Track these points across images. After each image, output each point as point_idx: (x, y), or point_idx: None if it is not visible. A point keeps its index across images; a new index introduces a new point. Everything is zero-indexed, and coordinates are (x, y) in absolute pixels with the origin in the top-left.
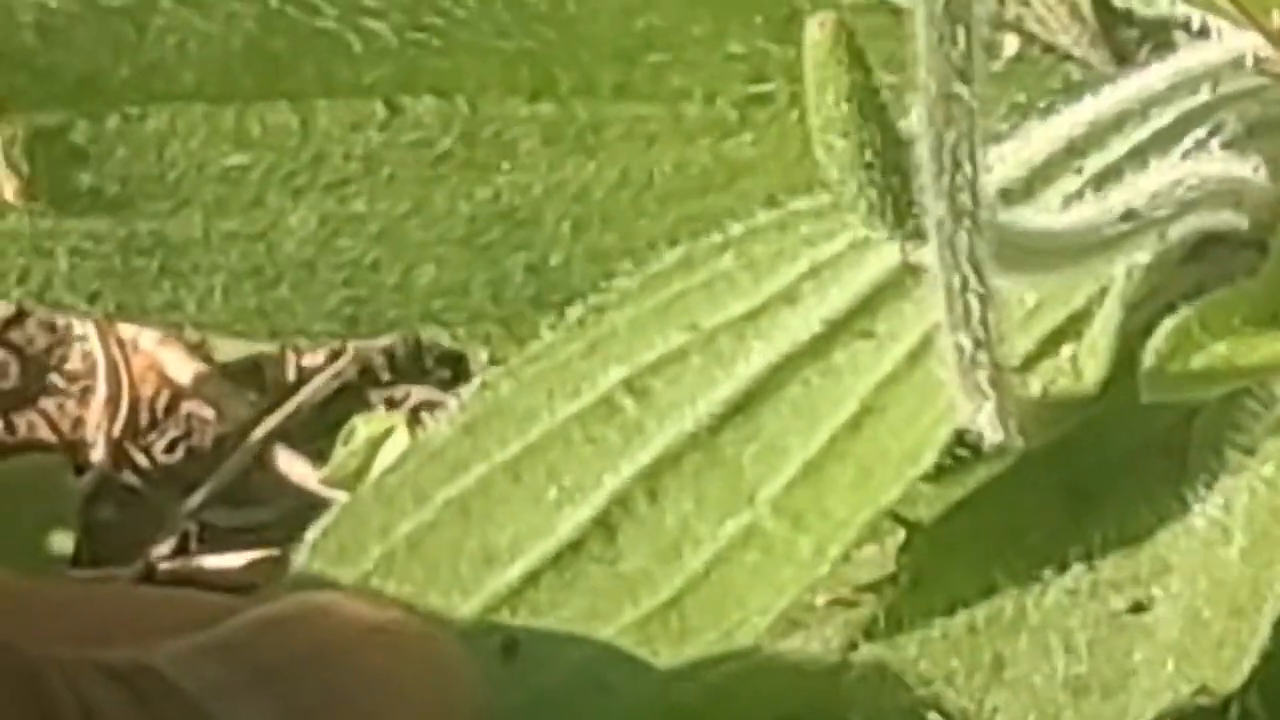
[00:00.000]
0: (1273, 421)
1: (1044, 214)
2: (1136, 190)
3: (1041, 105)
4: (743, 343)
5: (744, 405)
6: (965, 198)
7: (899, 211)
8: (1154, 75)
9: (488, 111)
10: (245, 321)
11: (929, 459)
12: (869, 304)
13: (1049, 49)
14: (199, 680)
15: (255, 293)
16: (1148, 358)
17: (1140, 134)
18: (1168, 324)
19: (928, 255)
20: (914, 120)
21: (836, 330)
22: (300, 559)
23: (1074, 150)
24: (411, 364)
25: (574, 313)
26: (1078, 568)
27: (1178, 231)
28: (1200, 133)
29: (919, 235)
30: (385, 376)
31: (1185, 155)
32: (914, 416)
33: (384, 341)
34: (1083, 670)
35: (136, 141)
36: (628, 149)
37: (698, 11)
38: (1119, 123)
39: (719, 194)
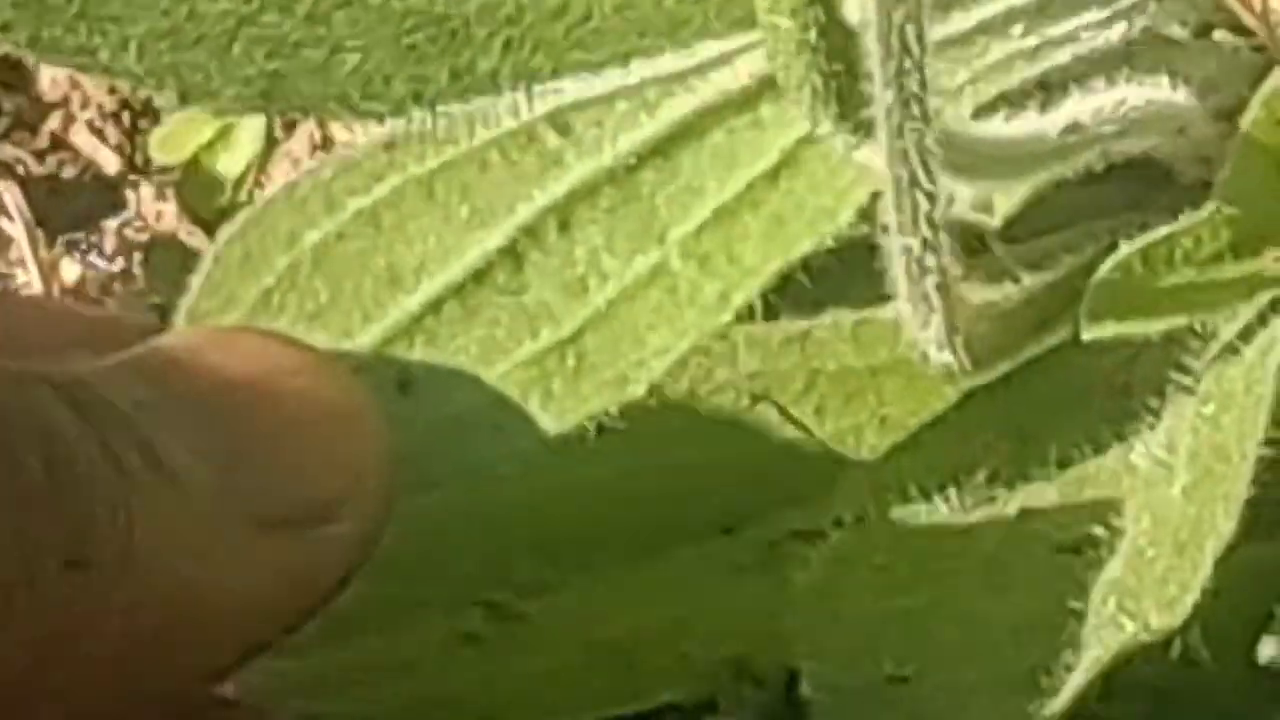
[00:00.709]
0: (1216, 361)
1: (988, 123)
2: (1080, 106)
3: None
4: (669, 89)
5: (664, 148)
6: (913, 82)
7: (844, 100)
8: None
9: None
10: (157, 78)
11: (844, 218)
12: None
13: None
14: (128, 399)
15: (171, 51)
16: (1089, 292)
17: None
18: (1110, 261)
19: (874, 151)
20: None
21: (766, 85)
22: (207, 262)
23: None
24: None
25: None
26: (1021, 507)
27: (1122, 149)
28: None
29: (865, 128)
30: None
31: (1132, 78)
32: (833, 174)
33: None
34: (1026, 608)
35: None
36: None
37: None
38: None
39: (656, 38)
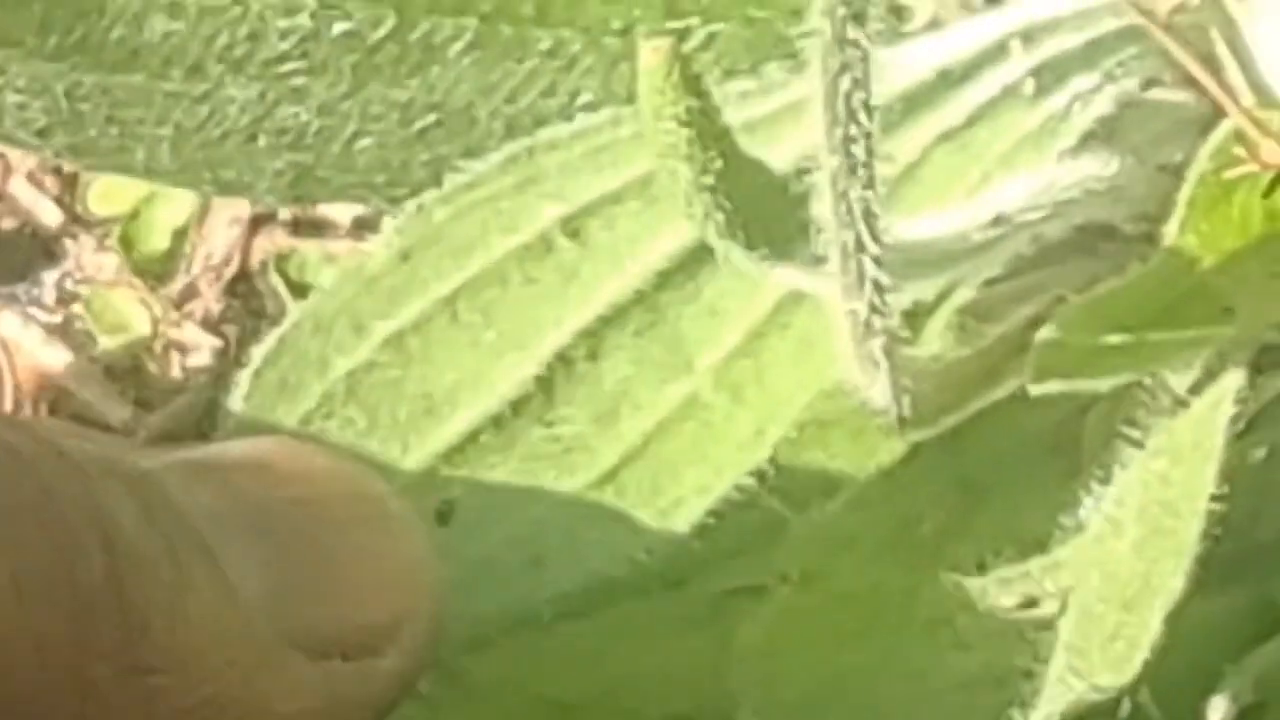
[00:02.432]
0: (1164, 415)
1: (910, 221)
2: (1007, 194)
3: None
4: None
5: (684, 263)
6: (859, 150)
7: (750, 233)
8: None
9: (413, 18)
10: (192, 173)
11: None
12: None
13: None
14: (194, 502)
15: (201, 148)
16: (1036, 346)
17: (1075, 40)
18: (1057, 315)
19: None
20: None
21: None
22: (241, 390)
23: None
24: None
25: (497, 156)
26: (969, 564)
27: (1055, 231)
28: (1111, 62)
29: (780, 256)
30: None
31: (1065, 154)
32: None
33: None
34: (974, 667)
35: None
36: (553, 65)
37: None
38: (1053, 28)
39: None
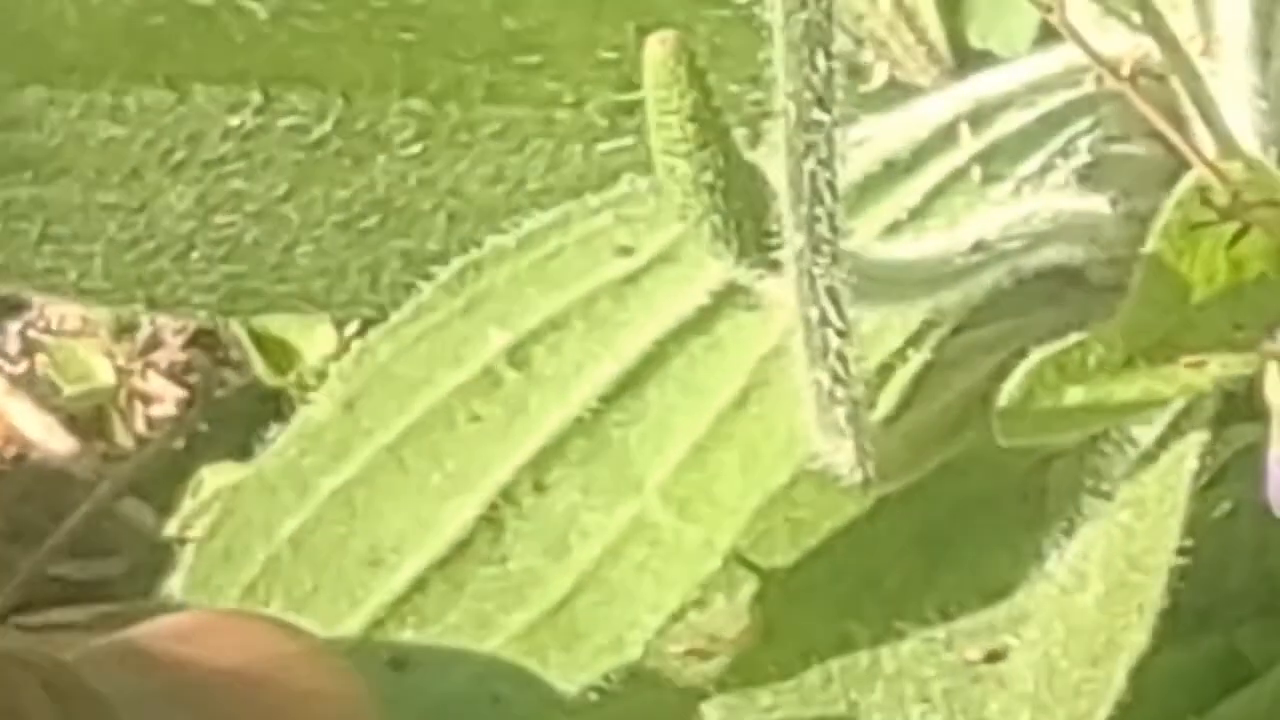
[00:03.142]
0: (1130, 467)
1: (894, 243)
2: (988, 222)
3: None
4: (624, 307)
5: (629, 383)
6: (824, 228)
7: (743, 238)
8: (1037, 64)
9: (361, 104)
10: (125, 291)
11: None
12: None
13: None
14: (113, 686)
15: (135, 264)
16: (1003, 400)
17: (1025, 116)
18: (1024, 366)
19: (784, 287)
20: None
21: (722, 300)
22: (188, 558)
23: (955, 128)
24: (264, 413)
25: (449, 270)
26: (934, 617)
27: (1031, 264)
28: (1060, 140)
29: (768, 264)
30: (235, 426)
31: (1041, 189)
32: (798, 392)
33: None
34: None
35: (13, 111)
36: (500, 148)
37: (568, 15)
38: (1005, 104)
39: (594, 194)
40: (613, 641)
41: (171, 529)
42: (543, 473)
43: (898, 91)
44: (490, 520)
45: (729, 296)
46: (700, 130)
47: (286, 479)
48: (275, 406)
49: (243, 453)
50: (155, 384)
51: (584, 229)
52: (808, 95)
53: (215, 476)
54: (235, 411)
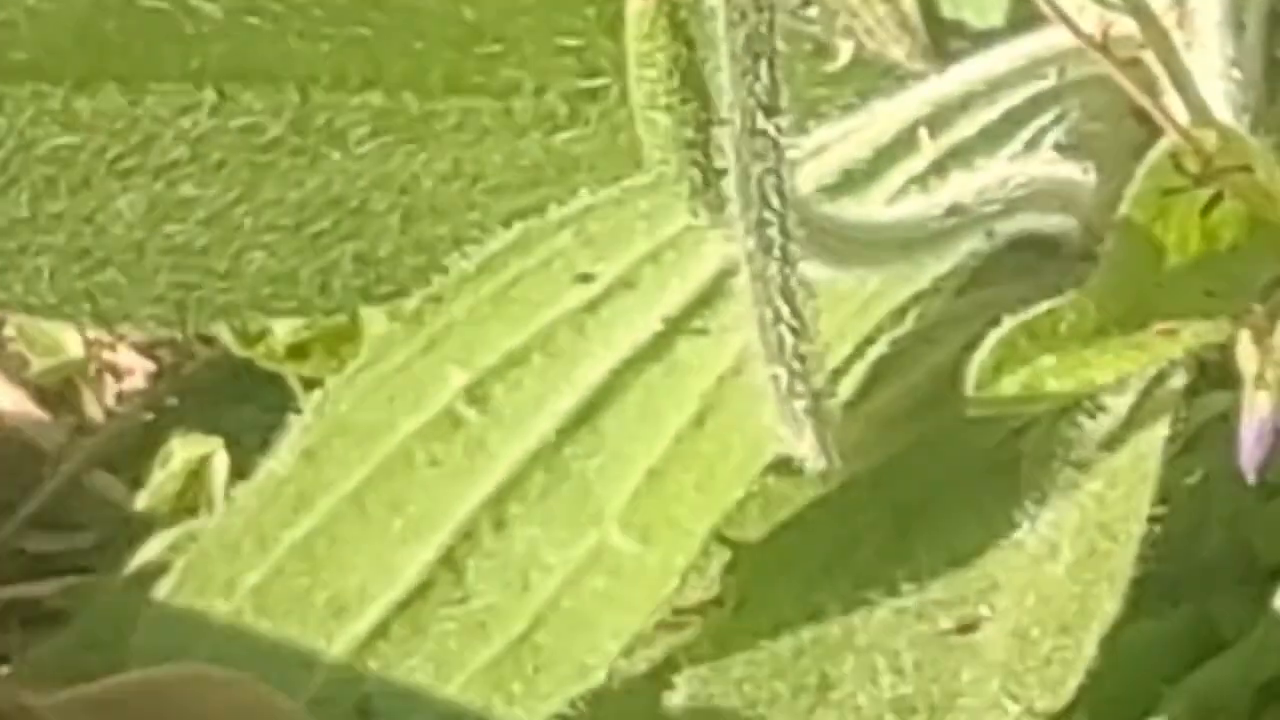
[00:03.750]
0: (1102, 436)
1: (870, 207)
2: (963, 186)
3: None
4: (583, 338)
5: (587, 413)
6: (774, 231)
7: (722, 193)
8: (1000, 57)
9: (318, 100)
10: (72, 304)
11: (769, 454)
12: (708, 295)
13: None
14: None
15: (82, 276)
16: (974, 369)
17: (986, 116)
18: (994, 336)
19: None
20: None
21: (677, 326)
22: (148, 613)
23: (916, 132)
24: (233, 386)
25: (410, 303)
26: (906, 587)
27: (1006, 229)
28: (1043, 121)
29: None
30: (204, 398)
31: (1017, 156)
32: (753, 409)
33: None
34: (909, 691)
35: None
36: (458, 140)
37: (529, 3)
38: (964, 104)
39: (550, 187)
40: (576, 670)
41: (141, 502)
42: (502, 510)
43: (864, 70)
44: (451, 561)
45: (683, 322)
46: (682, 84)
47: (248, 533)
48: (245, 379)
49: (212, 426)
50: (125, 357)
51: (544, 251)
52: (751, 103)
53: (185, 449)
54: (204, 384)
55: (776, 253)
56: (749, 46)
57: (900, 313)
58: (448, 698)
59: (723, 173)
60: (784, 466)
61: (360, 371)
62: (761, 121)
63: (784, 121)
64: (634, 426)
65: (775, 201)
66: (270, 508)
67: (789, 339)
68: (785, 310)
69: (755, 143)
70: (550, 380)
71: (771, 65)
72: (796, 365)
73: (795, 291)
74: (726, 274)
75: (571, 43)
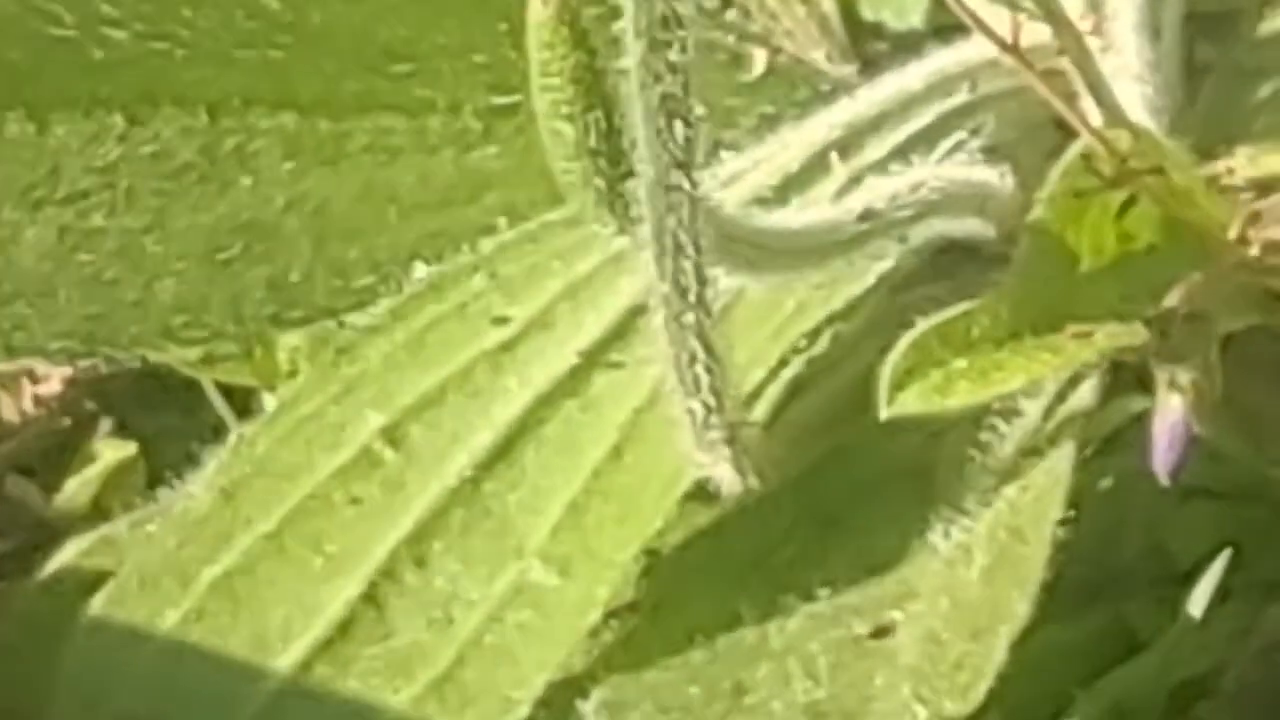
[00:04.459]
0: (1017, 439)
1: (782, 213)
2: (876, 192)
3: (792, 115)
4: (500, 376)
5: (505, 449)
6: (687, 279)
7: (626, 201)
8: (912, 75)
9: (228, 123)
10: None
11: (687, 481)
12: (623, 329)
13: (799, 63)
14: None
15: None
16: (886, 374)
17: (897, 136)
18: (907, 339)
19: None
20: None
21: (593, 361)
22: (68, 657)
23: (827, 155)
24: (150, 391)
25: (326, 355)
26: (821, 592)
27: (920, 234)
28: (961, 134)
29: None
30: (122, 404)
31: (940, 160)
32: (670, 438)
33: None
34: (822, 695)
35: None
36: (370, 161)
37: (442, 21)
38: (876, 125)
39: (463, 207)
40: (500, 704)
41: (57, 507)
42: (423, 547)
43: (779, 80)
44: (372, 599)
45: (599, 355)
46: (584, 92)
47: (167, 571)
48: (162, 384)
49: (129, 431)
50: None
51: (458, 296)
52: (666, 159)
53: (102, 455)
54: (121, 390)
55: (692, 299)
56: (663, 107)
57: (815, 334)
58: None
59: (629, 175)
60: (702, 492)
61: (278, 415)
62: (676, 177)
63: (698, 175)
64: (553, 460)
65: (691, 250)
66: (188, 545)
67: (704, 377)
68: (701, 352)
69: (670, 197)
70: (468, 418)
71: (687, 124)
72: (712, 400)
73: (710, 334)
74: (641, 309)
75: (484, 59)
